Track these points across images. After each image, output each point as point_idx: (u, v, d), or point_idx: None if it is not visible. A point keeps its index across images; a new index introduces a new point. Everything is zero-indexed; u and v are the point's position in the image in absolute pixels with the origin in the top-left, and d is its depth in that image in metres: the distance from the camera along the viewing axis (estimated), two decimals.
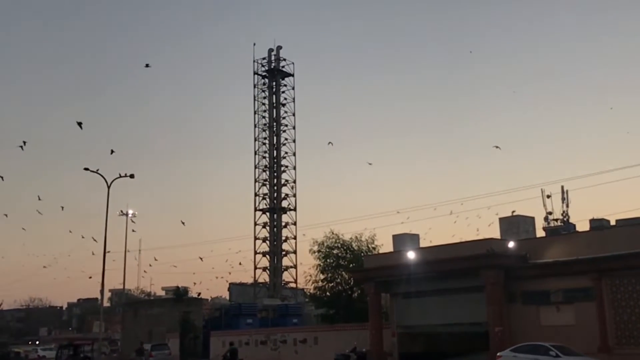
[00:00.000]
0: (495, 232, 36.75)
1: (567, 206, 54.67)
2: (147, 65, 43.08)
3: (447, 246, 35.01)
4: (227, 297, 69.53)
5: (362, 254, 44.88)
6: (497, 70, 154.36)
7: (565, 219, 53.92)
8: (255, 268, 70.02)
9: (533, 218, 38.29)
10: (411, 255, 34.28)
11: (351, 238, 47.90)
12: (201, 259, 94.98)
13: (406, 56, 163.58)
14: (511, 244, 32.02)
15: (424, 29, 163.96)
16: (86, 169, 43.08)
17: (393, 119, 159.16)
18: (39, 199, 59.71)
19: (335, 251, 47.54)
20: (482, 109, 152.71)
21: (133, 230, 73.40)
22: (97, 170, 42.98)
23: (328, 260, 47.45)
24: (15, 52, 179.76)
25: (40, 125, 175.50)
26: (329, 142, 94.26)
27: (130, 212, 60.68)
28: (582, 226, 39.95)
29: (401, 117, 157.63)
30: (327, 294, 48.25)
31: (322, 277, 47.96)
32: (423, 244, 39.70)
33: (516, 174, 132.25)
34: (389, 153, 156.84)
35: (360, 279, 39.82)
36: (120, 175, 43.56)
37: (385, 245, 46.61)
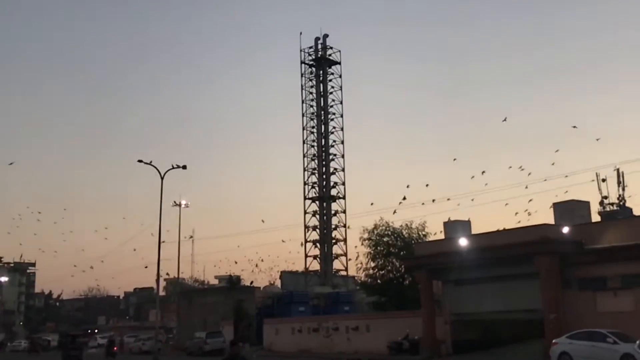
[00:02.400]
0: (550, 218, 36.03)
1: (623, 190, 53.19)
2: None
3: (500, 232, 34.61)
4: (279, 285, 70.26)
5: (413, 242, 44.75)
6: (556, 57, 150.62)
7: (621, 203, 52.48)
8: (306, 256, 70.59)
9: (588, 202, 37.35)
10: (463, 242, 34.00)
11: (401, 226, 47.85)
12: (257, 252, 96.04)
13: (447, 43, 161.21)
14: (566, 230, 31.42)
15: (471, 21, 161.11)
16: (140, 160, 43.72)
17: (436, 104, 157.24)
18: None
19: (385, 239, 47.54)
20: (538, 97, 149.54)
21: (192, 233, 74.66)
22: (151, 162, 43.71)
23: (379, 248, 47.50)
24: (71, 49, 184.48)
25: (92, 117, 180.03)
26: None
27: (184, 202, 61.66)
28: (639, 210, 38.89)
29: (445, 103, 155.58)
30: (378, 281, 48.34)
31: (372, 264, 48.08)
32: (475, 230, 39.21)
33: (571, 158, 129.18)
34: (436, 140, 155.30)
35: (411, 266, 39.72)
36: (173, 166, 44.20)
37: (436, 233, 46.42)
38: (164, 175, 43.48)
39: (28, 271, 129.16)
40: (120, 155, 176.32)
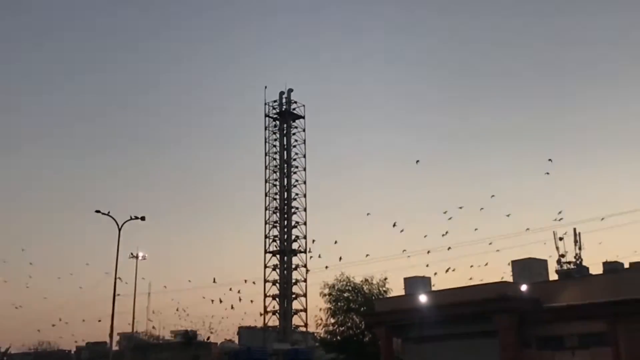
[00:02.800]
0: (508, 275, 36.28)
1: (580, 249, 54.00)
2: None
3: (459, 289, 34.56)
4: (237, 341, 68.82)
5: (374, 297, 44.49)
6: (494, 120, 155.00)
7: (578, 262, 53.21)
8: (265, 311, 69.51)
9: (546, 261, 37.83)
10: (423, 298, 33.89)
11: (362, 281, 47.60)
12: (212, 301, 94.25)
13: (412, 94, 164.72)
14: (524, 288, 31.60)
15: (430, 70, 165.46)
16: (97, 211, 43.20)
17: (399, 157, 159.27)
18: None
19: (346, 294, 47.17)
20: (489, 152, 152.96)
21: (142, 278, 73.41)
22: (109, 212, 43.12)
23: (339, 303, 47.04)
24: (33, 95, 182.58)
25: (49, 169, 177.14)
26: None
27: (141, 254, 60.58)
28: (596, 269, 39.43)
29: (411, 154, 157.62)
30: (338, 338, 47.67)
31: (332, 320, 47.48)
32: (435, 287, 39.24)
33: (528, 216, 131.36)
34: (401, 194, 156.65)
35: (371, 323, 39.34)
36: (131, 217, 43.65)
37: (396, 289, 46.22)
38: (122, 226, 42.83)
39: None
40: (77, 204, 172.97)
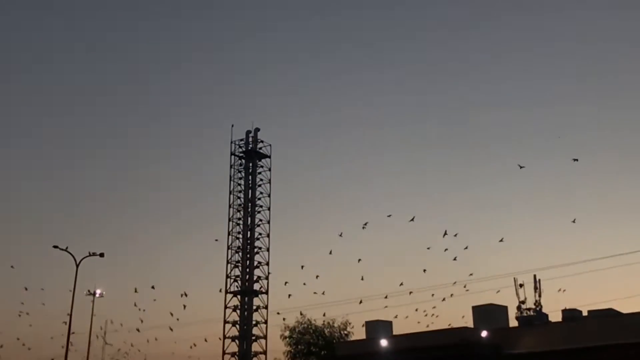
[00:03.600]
0: (468, 321, 36.34)
1: (540, 295, 54.58)
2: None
3: (421, 334, 34.53)
4: None
5: (335, 341, 44.08)
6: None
7: (538, 308, 53.69)
8: (224, 354, 67.94)
9: (506, 307, 38.03)
10: (384, 343, 33.72)
11: (323, 323, 47.23)
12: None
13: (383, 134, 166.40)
14: (484, 334, 31.67)
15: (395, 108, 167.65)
16: (55, 246, 42.24)
17: (369, 197, 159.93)
18: None
19: (306, 337, 46.69)
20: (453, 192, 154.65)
21: (94, 314, 71.42)
22: (67, 248, 42.18)
23: (299, 346, 46.49)
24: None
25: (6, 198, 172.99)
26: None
27: (98, 291, 59.02)
28: (555, 316, 39.81)
29: (380, 195, 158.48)
30: None
31: None
32: (396, 330, 39.05)
33: (488, 262, 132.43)
34: (363, 235, 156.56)
35: None
36: (90, 253, 42.73)
37: (357, 332, 45.89)
38: (80, 262, 41.86)
39: None
40: (35, 240, 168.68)
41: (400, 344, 33.43)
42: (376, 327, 38.02)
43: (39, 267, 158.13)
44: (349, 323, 47.19)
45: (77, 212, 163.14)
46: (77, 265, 41.69)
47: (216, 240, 67.47)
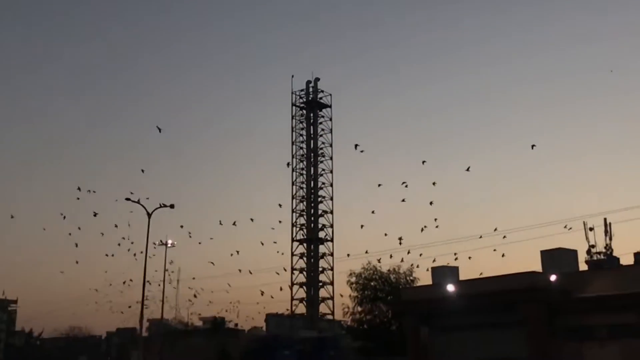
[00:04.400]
0: (537, 265, 36.02)
1: (610, 239, 53.31)
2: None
3: (487, 279, 34.50)
4: (265, 328, 69.38)
5: (401, 287, 44.55)
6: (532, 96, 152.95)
7: (608, 253, 52.56)
8: (292, 299, 69.85)
9: (575, 251, 37.40)
10: (450, 288, 33.86)
11: (389, 270, 47.67)
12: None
13: (439, 81, 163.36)
14: (553, 278, 31.37)
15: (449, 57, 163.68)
16: (127, 199, 43.54)
17: (431, 141, 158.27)
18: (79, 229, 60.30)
19: (372, 283, 47.31)
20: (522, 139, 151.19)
21: (171, 262, 74.11)
22: (139, 200, 43.57)
23: (365, 292, 47.21)
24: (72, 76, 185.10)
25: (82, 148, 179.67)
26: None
27: (169, 242, 61.20)
28: (626, 260, 38.95)
29: (440, 140, 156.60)
30: (365, 326, 47.89)
31: (359, 309, 47.69)
32: (463, 276, 39.10)
33: (558, 206, 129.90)
34: (428, 181, 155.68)
35: (398, 311, 39.48)
36: (160, 205, 44.05)
37: (424, 278, 46.21)
38: (152, 214, 43.30)
39: (9, 308, 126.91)
40: (108, 191, 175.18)
41: (467, 289, 33.52)
42: (442, 273, 38.15)
43: (115, 220, 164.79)
44: (414, 267, 47.42)
45: (150, 165, 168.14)
46: (149, 217, 43.13)
47: (280, 205, 67.26)
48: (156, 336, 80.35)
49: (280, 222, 66.03)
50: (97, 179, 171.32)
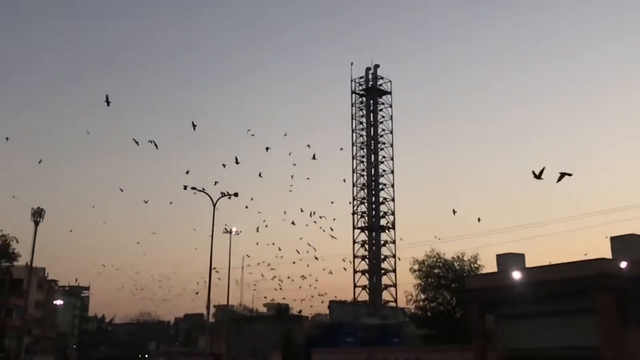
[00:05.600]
0: (606, 252, 35.02)
1: None
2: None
3: (556, 266, 33.70)
4: (328, 315, 69.99)
5: (465, 274, 44.07)
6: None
7: None
8: (355, 286, 70.18)
9: None
10: (517, 275, 33.28)
11: (453, 257, 47.18)
12: (303, 277, 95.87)
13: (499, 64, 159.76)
14: (624, 265, 30.44)
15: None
16: (193, 188, 44.20)
17: (491, 126, 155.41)
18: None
19: (436, 270, 46.95)
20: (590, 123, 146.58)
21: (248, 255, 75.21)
22: (203, 189, 44.31)
23: (429, 279, 46.91)
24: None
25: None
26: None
27: (234, 229, 62.23)
28: None
29: (500, 126, 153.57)
30: (429, 314, 47.63)
31: (423, 296, 47.44)
32: (529, 263, 38.35)
33: (628, 191, 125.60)
34: (489, 168, 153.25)
35: (463, 299, 39.08)
36: (223, 194, 44.75)
37: (488, 265, 45.55)
38: (216, 202, 44.11)
39: (82, 295, 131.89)
40: (170, 181, 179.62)
41: (534, 277, 32.88)
42: (508, 260, 37.50)
43: (183, 208, 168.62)
44: (479, 256, 46.79)
45: (213, 155, 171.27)
46: (214, 205, 43.99)
47: (344, 180, 68.52)
48: (222, 322, 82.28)
49: (334, 201, 66.37)
50: (153, 163, 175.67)
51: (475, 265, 46.22)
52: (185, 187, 43.61)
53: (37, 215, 64.54)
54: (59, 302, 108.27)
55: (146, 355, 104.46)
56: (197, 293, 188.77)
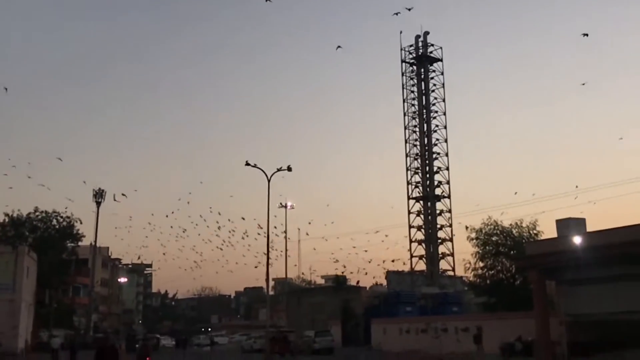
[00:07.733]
0: None
1: None
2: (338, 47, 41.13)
3: (617, 230, 32.91)
4: (386, 285, 70.30)
5: (524, 241, 43.50)
6: None
7: None
8: (412, 256, 70.24)
9: None
10: (578, 240, 32.66)
11: (511, 224, 46.60)
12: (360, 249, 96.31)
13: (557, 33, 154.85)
14: None
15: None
16: (247, 163, 44.34)
17: (548, 88, 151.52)
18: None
19: (494, 238, 46.50)
20: None
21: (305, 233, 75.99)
22: (255, 164, 44.44)
23: (487, 247, 46.52)
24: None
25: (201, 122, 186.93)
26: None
27: (289, 204, 62.80)
28: None
29: (560, 88, 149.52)
30: (488, 282, 47.35)
31: (481, 264, 47.12)
32: (590, 228, 37.52)
33: None
34: (547, 132, 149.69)
35: (522, 266, 38.62)
36: (278, 169, 44.93)
37: (547, 232, 44.83)
38: (271, 177, 44.42)
39: (145, 272, 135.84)
40: (223, 157, 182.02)
41: (596, 241, 32.17)
42: (568, 225, 36.80)
43: (232, 182, 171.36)
44: (538, 222, 46.05)
45: (266, 130, 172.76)
46: (269, 180, 44.28)
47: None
48: (282, 295, 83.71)
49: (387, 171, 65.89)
50: (206, 142, 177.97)
51: (535, 231, 45.56)
52: (247, 164, 43.88)
53: (99, 196, 66.87)
54: (123, 279, 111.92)
55: (209, 329, 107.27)
56: (255, 267, 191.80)
